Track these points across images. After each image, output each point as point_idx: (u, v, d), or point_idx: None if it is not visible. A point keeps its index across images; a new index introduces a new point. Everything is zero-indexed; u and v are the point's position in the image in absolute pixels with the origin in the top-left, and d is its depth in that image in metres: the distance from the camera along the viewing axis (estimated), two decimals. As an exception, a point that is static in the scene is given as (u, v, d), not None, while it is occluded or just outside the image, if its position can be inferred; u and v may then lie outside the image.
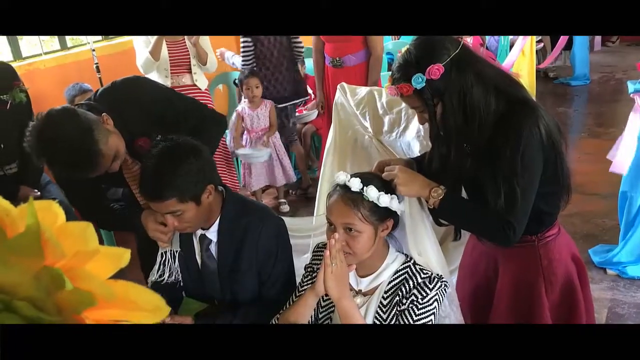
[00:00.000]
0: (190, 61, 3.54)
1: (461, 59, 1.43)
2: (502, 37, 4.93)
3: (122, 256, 0.39)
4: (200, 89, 3.60)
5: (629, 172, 2.87)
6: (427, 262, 1.55)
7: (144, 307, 0.38)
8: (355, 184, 1.46)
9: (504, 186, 1.41)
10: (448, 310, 1.58)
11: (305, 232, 2.22)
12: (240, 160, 4.20)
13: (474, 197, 1.57)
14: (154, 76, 3.43)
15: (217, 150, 2.69)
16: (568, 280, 1.59)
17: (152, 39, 3.37)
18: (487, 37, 5.23)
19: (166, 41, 3.46)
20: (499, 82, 1.47)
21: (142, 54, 3.43)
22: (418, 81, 1.42)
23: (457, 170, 1.51)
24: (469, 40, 3.98)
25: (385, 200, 1.46)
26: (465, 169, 1.50)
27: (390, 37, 5.89)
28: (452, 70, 1.42)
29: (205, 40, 3.55)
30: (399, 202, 1.51)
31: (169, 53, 3.49)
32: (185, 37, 3.50)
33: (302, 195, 4.28)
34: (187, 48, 3.53)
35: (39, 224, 0.35)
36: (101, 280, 0.36)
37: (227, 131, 3.87)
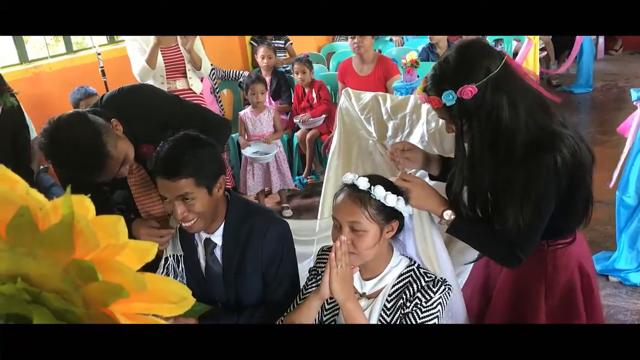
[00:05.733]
0: (185, 66, 3.55)
1: (499, 80, 1.35)
2: (505, 44, 4.94)
3: (150, 250, 0.40)
4: (195, 92, 3.61)
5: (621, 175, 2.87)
6: (434, 268, 1.57)
7: (170, 299, 0.39)
8: (363, 183, 1.48)
9: (512, 218, 1.39)
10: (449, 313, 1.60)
11: (309, 235, 2.23)
12: (241, 163, 4.21)
13: (484, 217, 1.55)
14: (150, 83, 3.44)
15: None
16: (570, 289, 1.58)
17: (148, 47, 3.36)
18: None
19: (160, 48, 3.45)
20: (533, 108, 1.39)
21: (137, 63, 3.42)
22: (448, 98, 1.37)
23: (473, 193, 1.48)
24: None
25: (392, 200, 1.47)
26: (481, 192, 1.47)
27: (394, 43, 5.91)
28: (487, 92, 1.34)
29: (198, 46, 3.57)
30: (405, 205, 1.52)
31: (164, 59, 3.49)
32: (179, 42, 3.51)
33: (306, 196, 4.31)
34: (181, 53, 3.53)
35: (74, 214, 0.36)
36: (134, 272, 0.37)
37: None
